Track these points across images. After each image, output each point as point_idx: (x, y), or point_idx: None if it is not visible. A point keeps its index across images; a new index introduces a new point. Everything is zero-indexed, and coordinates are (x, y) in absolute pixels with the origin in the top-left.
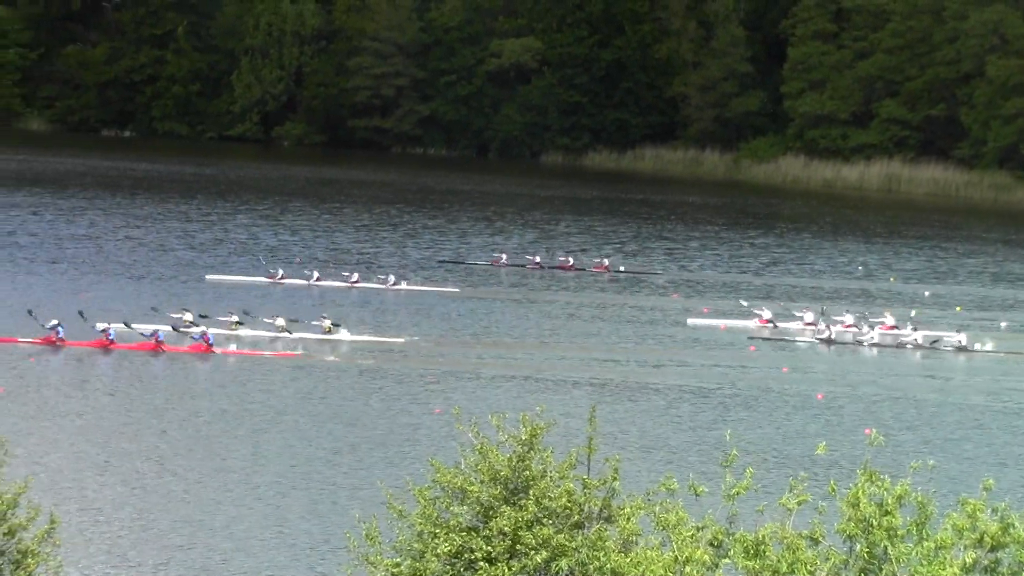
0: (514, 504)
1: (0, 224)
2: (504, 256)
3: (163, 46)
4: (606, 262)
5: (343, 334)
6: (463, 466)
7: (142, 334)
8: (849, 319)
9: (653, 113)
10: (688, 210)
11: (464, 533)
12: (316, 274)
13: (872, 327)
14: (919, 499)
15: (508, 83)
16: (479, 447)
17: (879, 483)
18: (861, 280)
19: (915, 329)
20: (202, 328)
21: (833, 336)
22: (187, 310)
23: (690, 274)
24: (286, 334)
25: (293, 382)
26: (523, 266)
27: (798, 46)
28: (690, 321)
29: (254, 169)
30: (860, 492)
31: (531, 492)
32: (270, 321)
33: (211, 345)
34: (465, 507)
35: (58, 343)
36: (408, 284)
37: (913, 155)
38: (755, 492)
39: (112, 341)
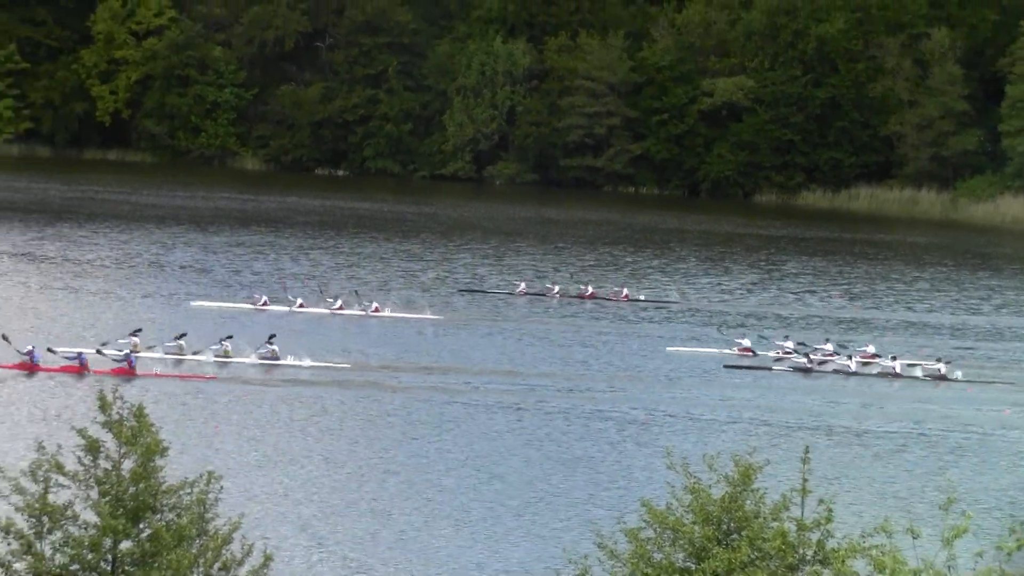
0: (727, 545)
1: (226, 262)
2: (523, 285)
3: (375, 86)
4: (625, 291)
5: (289, 359)
6: (675, 506)
7: (66, 357)
8: (829, 348)
9: (868, 152)
10: (911, 250)
11: (677, 574)
12: (300, 300)
13: (851, 356)
14: None
15: (720, 122)
16: (691, 487)
17: None
18: None
19: (894, 358)
20: (126, 351)
21: (812, 366)
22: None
23: (917, 316)
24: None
25: (487, 417)
26: (543, 295)
27: (1016, 84)
28: (669, 349)
29: (471, 208)
30: None
31: (744, 533)
32: (217, 347)
33: (134, 367)
34: (677, 547)
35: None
36: (391, 311)
37: None
38: (974, 536)
39: (37, 363)
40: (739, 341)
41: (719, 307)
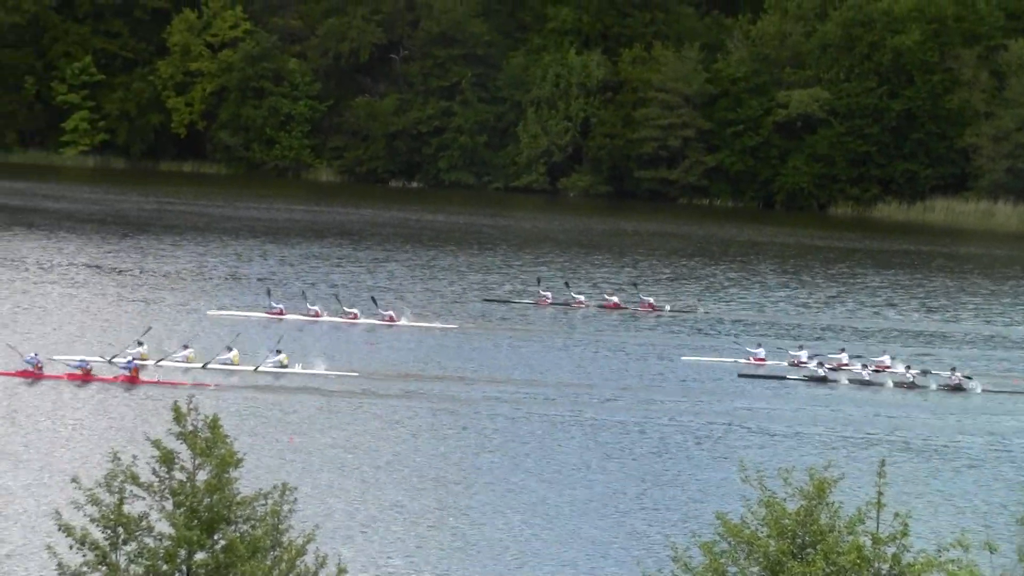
0: (802, 559)
1: (303, 274)
2: (550, 295)
3: (450, 97)
4: (651, 300)
5: (297, 367)
6: (749, 520)
7: (68, 365)
8: (844, 358)
9: (944, 164)
10: (989, 263)
11: None
12: (317, 308)
13: (865, 366)
14: None
15: (795, 133)
16: (766, 500)
17: None
18: None
19: (908, 368)
20: (130, 358)
21: (826, 375)
22: (187, 346)
23: (995, 329)
24: (240, 366)
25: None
26: (568, 304)
27: None
28: (684, 359)
29: (547, 220)
30: None
31: (819, 547)
32: (226, 356)
33: (137, 375)
34: (752, 561)
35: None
36: (408, 320)
37: None
38: None
39: (40, 371)
40: (753, 351)
41: (795, 320)
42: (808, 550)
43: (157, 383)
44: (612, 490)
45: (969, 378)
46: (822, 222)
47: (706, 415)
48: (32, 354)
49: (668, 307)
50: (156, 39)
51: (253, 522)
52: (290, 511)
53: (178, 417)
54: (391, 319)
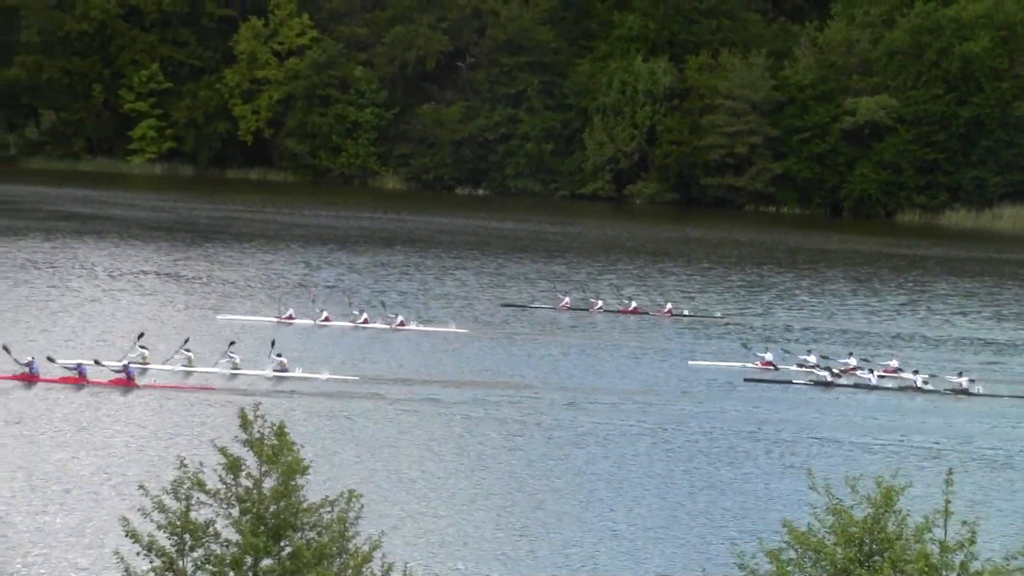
0: (869, 567)
1: (370, 283)
2: (568, 300)
3: (516, 105)
4: (669, 306)
5: (297, 371)
6: (816, 527)
7: (66, 367)
8: (852, 362)
9: (1012, 171)
10: None
11: None
12: (324, 313)
13: (872, 370)
14: None
15: (862, 140)
16: (833, 508)
17: None
18: None
19: (916, 372)
20: (125, 362)
21: (832, 379)
22: (188, 350)
23: None
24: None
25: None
26: (586, 310)
27: None
28: (691, 363)
29: (614, 228)
30: None
31: (886, 555)
32: (225, 359)
33: (132, 378)
34: (819, 569)
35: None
36: (416, 324)
37: None
38: None
39: (36, 374)
40: (761, 355)
41: (864, 327)
42: (875, 558)
43: (154, 387)
44: (678, 496)
45: (973, 382)
46: (889, 229)
47: (761, 421)
48: (30, 357)
49: (687, 312)
50: (223, 47)
51: (319, 529)
52: (356, 518)
53: (244, 424)
54: (401, 324)
